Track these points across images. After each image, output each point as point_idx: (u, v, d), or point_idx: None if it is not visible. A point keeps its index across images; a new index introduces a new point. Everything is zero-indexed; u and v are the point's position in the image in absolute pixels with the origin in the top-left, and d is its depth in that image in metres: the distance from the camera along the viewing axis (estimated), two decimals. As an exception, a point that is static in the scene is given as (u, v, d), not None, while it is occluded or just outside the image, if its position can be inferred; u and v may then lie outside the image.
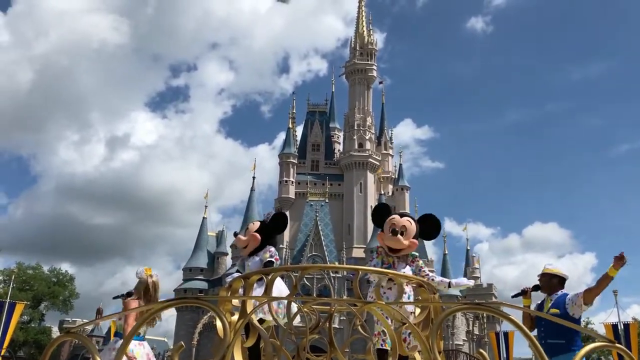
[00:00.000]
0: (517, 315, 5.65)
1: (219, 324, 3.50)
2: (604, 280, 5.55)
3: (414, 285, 4.34)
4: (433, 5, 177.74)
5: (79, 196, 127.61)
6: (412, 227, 4.73)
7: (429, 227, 4.87)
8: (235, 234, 5.65)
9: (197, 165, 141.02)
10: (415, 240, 4.73)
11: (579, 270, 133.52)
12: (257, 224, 5.22)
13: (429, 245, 72.72)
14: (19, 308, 19.25)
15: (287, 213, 69.82)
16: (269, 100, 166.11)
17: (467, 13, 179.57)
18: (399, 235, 4.63)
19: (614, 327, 18.30)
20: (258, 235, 5.05)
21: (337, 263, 58.36)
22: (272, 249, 5.08)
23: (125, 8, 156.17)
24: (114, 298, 6.01)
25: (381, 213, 4.95)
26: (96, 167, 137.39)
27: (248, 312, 3.55)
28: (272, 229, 5.16)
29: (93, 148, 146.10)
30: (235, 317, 3.70)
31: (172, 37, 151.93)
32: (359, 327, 4.38)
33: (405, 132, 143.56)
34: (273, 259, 4.97)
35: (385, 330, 4.16)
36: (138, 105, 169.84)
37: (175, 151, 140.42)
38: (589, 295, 5.65)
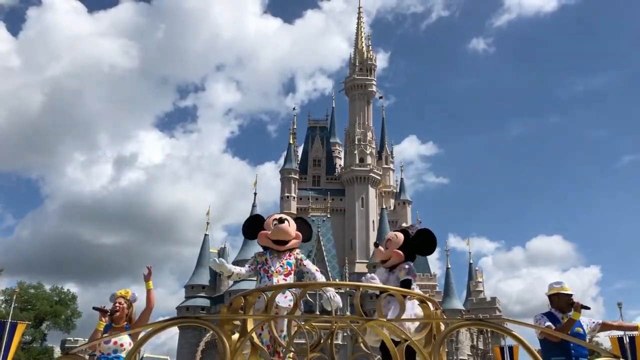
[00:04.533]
0: (520, 331, 5.64)
1: (219, 343, 3.47)
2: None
3: (416, 300, 4.31)
4: (435, 28, 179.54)
5: (86, 216, 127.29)
6: (292, 224, 4.94)
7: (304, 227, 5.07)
8: (377, 245, 5.20)
9: (204, 185, 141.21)
10: (299, 233, 4.93)
11: (584, 284, 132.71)
12: (401, 238, 4.90)
13: (432, 260, 72.69)
14: (21, 328, 19.09)
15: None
16: (275, 119, 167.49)
17: (469, 35, 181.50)
18: (285, 223, 4.78)
19: (620, 340, 18.12)
20: (401, 253, 4.80)
21: (337, 280, 58.11)
22: (409, 265, 4.80)
23: (135, 32, 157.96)
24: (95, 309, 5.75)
25: (255, 224, 5.03)
26: (104, 187, 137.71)
27: (249, 331, 3.52)
28: (416, 246, 4.87)
29: (101, 168, 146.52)
30: (236, 336, 3.66)
31: (180, 60, 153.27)
32: (361, 345, 4.33)
33: (409, 148, 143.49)
34: (410, 277, 4.71)
35: (388, 347, 4.12)
36: (146, 126, 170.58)
37: (182, 171, 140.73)
38: (605, 328, 5.93)
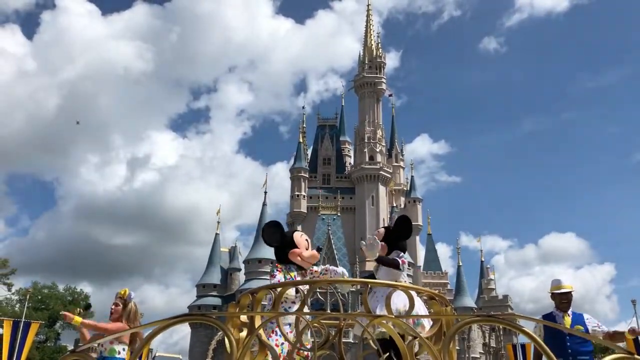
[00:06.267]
0: (531, 327, 5.56)
1: (227, 340, 3.46)
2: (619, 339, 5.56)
3: (425, 297, 4.27)
4: (447, 27, 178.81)
5: (99, 217, 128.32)
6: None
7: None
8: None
9: (216, 185, 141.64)
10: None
11: (597, 281, 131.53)
12: (383, 231, 5.23)
13: (444, 258, 72.40)
14: (34, 327, 19.34)
15: (300, 227, 70.21)
16: (287, 120, 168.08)
17: (480, 34, 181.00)
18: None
19: (635, 337, 17.92)
20: (384, 244, 5.05)
21: (345, 277, 57.95)
22: (400, 254, 5.05)
23: (149, 35, 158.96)
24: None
25: (278, 233, 4.90)
26: (118, 188, 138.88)
27: (256, 328, 3.50)
28: (397, 234, 5.14)
29: (114, 169, 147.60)
30: (244, 333, 3.64)
31: (194, 62, 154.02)
32: (370, 342, 4.29)
33: (421, 147, 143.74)
34: (397, 258, 4.95)
35: (397, 343, 4.08)
36: (159, 128, 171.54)
37: (195, 171, 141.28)
38: (611, 339, 5.59)
